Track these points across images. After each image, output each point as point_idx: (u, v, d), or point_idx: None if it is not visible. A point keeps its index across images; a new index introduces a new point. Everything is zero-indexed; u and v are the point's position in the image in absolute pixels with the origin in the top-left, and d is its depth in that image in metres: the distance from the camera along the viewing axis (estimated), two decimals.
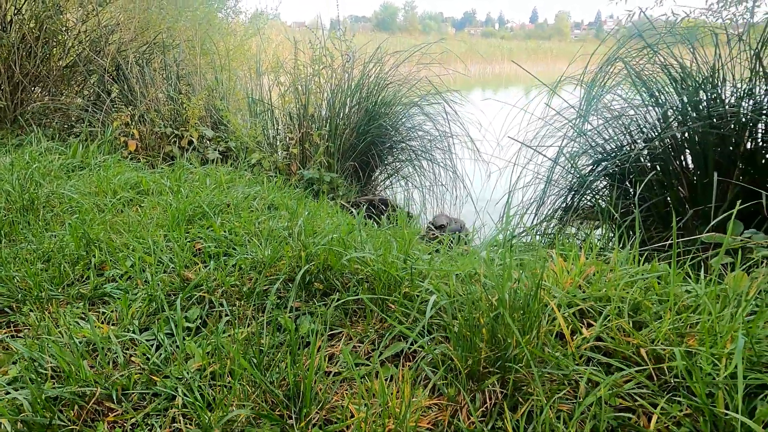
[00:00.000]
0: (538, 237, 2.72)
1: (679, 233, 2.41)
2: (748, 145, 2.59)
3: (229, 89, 5.24)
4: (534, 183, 3.21)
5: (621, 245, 2.43)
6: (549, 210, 2.85)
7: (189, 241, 2.07)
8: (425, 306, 1.46)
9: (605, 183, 2.87)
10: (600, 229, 2.76)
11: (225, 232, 2.14)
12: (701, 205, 2.43)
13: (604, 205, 2.65)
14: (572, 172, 2.85)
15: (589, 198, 2.79)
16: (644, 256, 2.14)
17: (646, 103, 2.86)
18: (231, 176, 3.18)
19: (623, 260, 1.67)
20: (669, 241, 2.31)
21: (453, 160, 4.11)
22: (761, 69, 2.83)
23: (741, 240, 1.71)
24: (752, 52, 2.88)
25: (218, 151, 4.30)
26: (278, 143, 4.32)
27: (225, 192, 2.81)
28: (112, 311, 1.60)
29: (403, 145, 4.06)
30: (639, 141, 3.07)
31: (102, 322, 1.56)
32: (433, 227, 3.45)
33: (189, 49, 5.56)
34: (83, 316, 1.58)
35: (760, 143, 2.55)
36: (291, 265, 1.78)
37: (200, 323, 1.55)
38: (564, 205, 2.86)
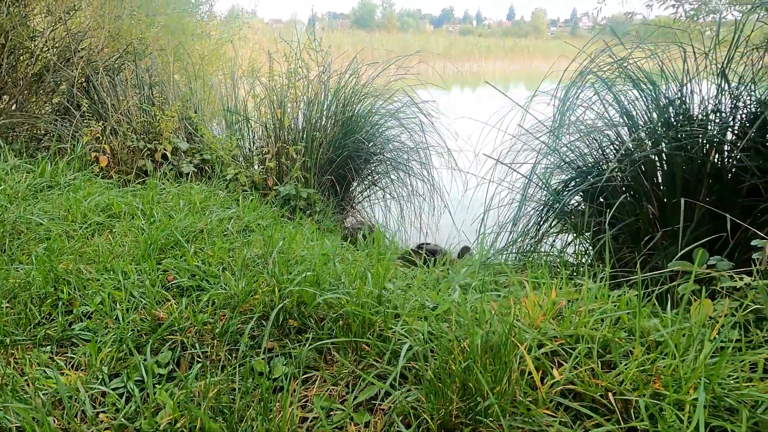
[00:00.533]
0: (512, 256, 2.76)
1: (649, 252, 2.47)
2: (716, 161, 2.67)
3: (204, 98, 5.17)
4: (510, 199, 3.25)
5: (593, 266, 2.47)
6: (524, 227, 2.89)
7: (161, 273, 2.04)
8: (400, 346, 1.46)
9: (579, 199, 2.91)
10: (573, 246, 2.81)
11: (198, 262, 2.11)
12: (671, 223, 2.49)
13: (577, 224, 2.69)
14: (546, 189, 2.89)
15: (563, 215, 2.83)
16: (616, 281, 2.18)
17: (615, 123, 2.91)
18: (206, 195, 3.14)
19: (594, 292, 1.70)
20: (639, 270, 2.35)
21: (430, 170, 4.13)
22: (726, 85, 2.91)
23: (706, 271, 1.76)
24: (719, 68, 2.96)
25: (193, 164, 4.23)
26: (254, 156, 4.28)
27: (199, 214, 2.78)
28: (81, 355, 1.57)
29: (380, 156, 4.07)
30: (611, 157, 3.12)
31: (70, 368, 1.53)
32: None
33: (162, 57, 5.46)
34: (51, 362, 1.54)
35: (726, 160, 2.62)
36: (265, 300, 1.76)
37: (172, 367, 1.52)
38: (539, 221, 2.90)
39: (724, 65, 2.91)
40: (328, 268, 1.91)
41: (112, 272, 2.06)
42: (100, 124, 3.96)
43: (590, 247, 2.64)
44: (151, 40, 5.50)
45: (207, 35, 7.51)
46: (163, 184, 3.47)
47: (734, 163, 2.53)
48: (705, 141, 2.53)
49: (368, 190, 4.26)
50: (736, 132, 2.69)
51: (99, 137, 3.90)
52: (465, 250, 4.31)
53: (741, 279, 1.60)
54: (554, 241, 2.84)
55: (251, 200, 3.24)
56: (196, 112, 4.73)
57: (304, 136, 3.80)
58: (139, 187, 3.32)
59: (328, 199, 3.66)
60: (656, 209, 2.63)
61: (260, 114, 3.97)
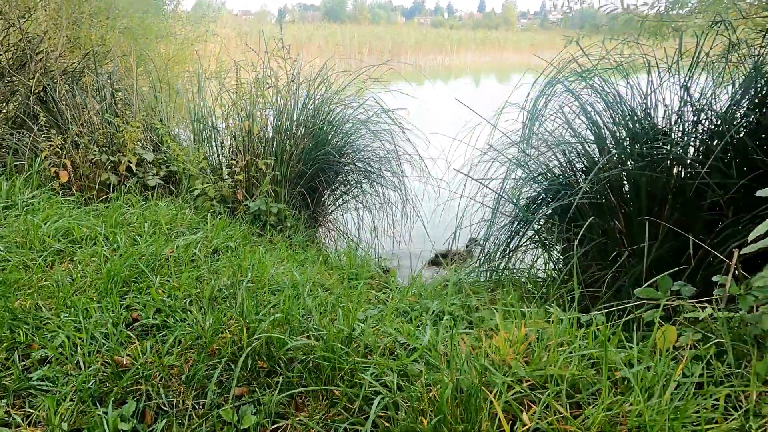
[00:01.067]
0: (485, 273, 2.77)
1: (618, 270, 2.51)
2: (680, 176, 2.72)
3: (170, 104, 5.02)
4: (483, 211, 3.26)
5: (565, 282, 2.50)
6: (495, 243, 2.90)
7: (125, 310, 1.98)
8: (372, 392, 1.45)
9: (549, 213, 2.94)
10: (544, 261, 2.83)
11: (164, 296, 2.05)
12: (637, 240, 2.54)
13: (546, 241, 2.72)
14: (515, 204, 2.91)
15: (533, 231, 2.86)
16: (584, 303, 2.21)
17: (583, 139, 2.95)
18: (173, 215, 3.05)
19: (564, 325, 1.72)
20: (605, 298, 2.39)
21: (402, 179, 4.11)
22: (689, 100, 2.97)
23: (669, 298, 1.80)
24: (681, 83, 3.02)
25: (159, 176, 4.12)
26: (223, 167, 4.18)
27: (165, 237, 2.70)
28: (39, 409, 1.50)
29: (352, 166, 4.03)
30: (579, 168, 3.16)
31: (28, 424, 1.46)
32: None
33: (124, 62, 5.29)
34: (7, 417, 1.47)
35: (688, 176, 2.67)
36: (234, 339, 1.73)
37: (137, 420, 1.48)
38: (509, 236, 2.92)
39: (686, 80, 2.97)
40: (298, 302, 1.88)
41: (72, 309, 1.98)
42: (60, 137, 3.81)
43: (561, 263, 2.68)
44: (112, 44, 5.32)
45: (172, 35, 7.31)
46: (128, 201, 3.36)
47: (696, 179, 2.59)
48: (668, 157, 2.58)
49: (340, 200, 4.22)
50: (698, 148, 2.75)
51: (59, 152, 3.75)
52: (472, 242, 4.34)
53: (703, 308, 1.63)
54: (525, 257, 2.87)
55: (220, 218, 3.17)
56: (161, 121, 4.60)
57: (274, 147, 3.74)
58: (102, 206, 3.21)
59: (299, 213, 3.61)
60: (623, 225, 2.68)
61: (228, 126, 3.87)
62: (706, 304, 1.68)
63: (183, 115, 5.22)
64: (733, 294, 1.62)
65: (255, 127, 3.78)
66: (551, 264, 2.79)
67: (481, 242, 2.99)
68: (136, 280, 2.19)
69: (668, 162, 2.61)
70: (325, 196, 4.07)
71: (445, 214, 4.08)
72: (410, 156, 4.20)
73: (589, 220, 2.32)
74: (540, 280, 2.63)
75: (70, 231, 2.69)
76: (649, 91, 3.09)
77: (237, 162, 3.77)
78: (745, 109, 2.81)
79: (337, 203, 4.23)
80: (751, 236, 1.56)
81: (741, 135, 2.67)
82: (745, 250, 1.69)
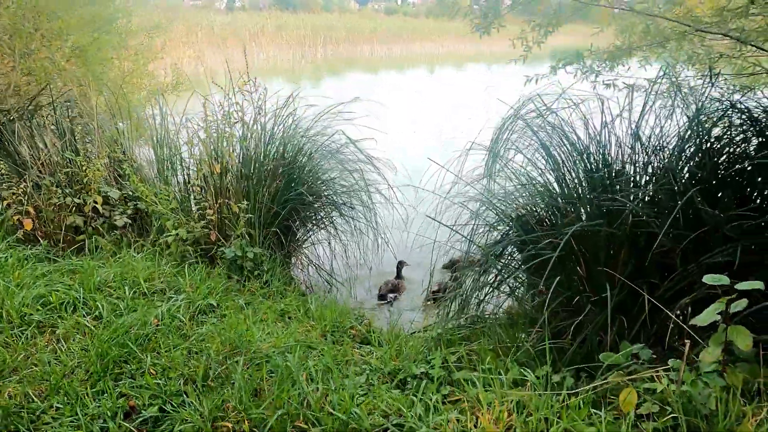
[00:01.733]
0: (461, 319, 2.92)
1: (583, 318, 2.71)
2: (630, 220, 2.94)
3: (131, 131, 4.91)
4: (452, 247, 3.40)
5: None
6: (466, 289, 3.06)
7: (120, 396, 2.02)
8: None
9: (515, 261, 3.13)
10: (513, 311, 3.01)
11: (158, 377, 2.10)
12: (597, 285, 2.75)
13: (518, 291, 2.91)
14: (481, 249, 3.07)
15: (500, 275, 3.04)
16: (553, 359, 2.39)
17: (545, 183, 3.13)
18: (151, 270, 3.06)
19: (542, 399, 1.89)
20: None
21: (372, 209, 4.20)
22: (640, 147, 3.20)
23: (632, 362, 2.01)
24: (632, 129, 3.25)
25: (127, 214, 4.06)
26: (191, 201, 4.15)
27: (147, 301, 2.72)
28: None
29: (323, 200, 4.10)
30: (542, 205, 3.35)
31: None
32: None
33: (80, 89, 5.12)
34: None
35: (641, 224, 2.88)
36: (234, 430, 1.81)
37: None
38: (477, 280, 3.09)
39: (636, 128, 3.20)
40: (294, 388, 1.97)
41: (65, 396, 2.01)
42: (21, 183, 3.70)
43: (530, 307, 2.86)
44: (65, 68, 5.14)
45: (125, 48, 7.06)
46: (100, 252, 3.33)
47: (647, 227, 2.80)
48: (623, 210, 2.78)
49: (312, 234, 4.28)
50: (648, 195, 2.97)
51: (21, 200, 3.65)
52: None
53: (661, 380, 1.84)
54: (495, 299, 3.04)
55: (197, 269, 3.20)
56: (125, 153, 4.52)
57: (246, 187, 3.75)
58: (75, 261, 3.17)
59: (274, 253, 3.67)
60: (584, 271, 2.89)
61: (199, 170, 3.84)
62: (663, 372, 1.89)
63: (145, 138, 5.11)
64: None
65: (224, 167, 3.78)
66: (520, 303, 2.98)
67: (451, 287, 3.15)
68: (126, 360, 2.22)
69: (621, 211, 2.81)
70: (299, 234, 4.13)
71: (415, 240, 4.23)
72: (378, 185, 4.29)
73: (556, 279, 2.50)
74: (510, 325, 2.80)
75: (47, 297, 2.67)
76: (604, 133, 3.30)
77: (208, 202, 3.77)
78: (687, 157, 3.05)
79: (309, 235, 4.29)
80: (698, 323, 1.77)
81: (686, 183, 2.91)
82: (692, 322, 1.92)
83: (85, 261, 3.16)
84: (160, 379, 2.08)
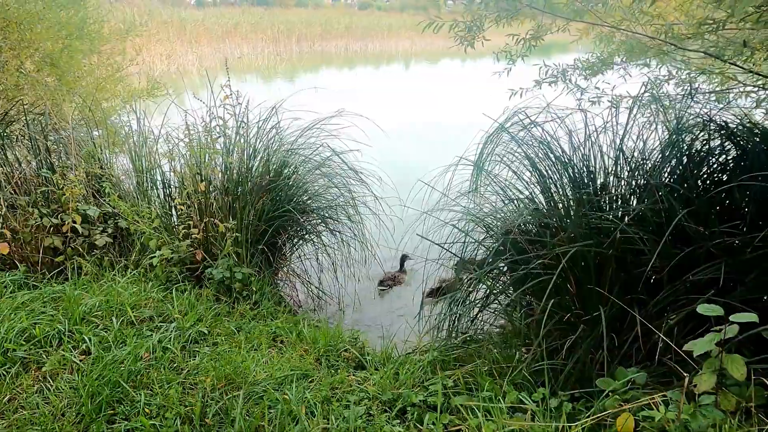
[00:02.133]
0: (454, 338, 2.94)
1: (576, 336, 2.76)
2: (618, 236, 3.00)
3: (108, 143, 4.78)
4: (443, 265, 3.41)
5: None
6: (458, 307, 3.08)
7: None
8: None
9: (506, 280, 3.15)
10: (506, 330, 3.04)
11: (152, 417, 2.06)
12: (588, 307, 2.79)
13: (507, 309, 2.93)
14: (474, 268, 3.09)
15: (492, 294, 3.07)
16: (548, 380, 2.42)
17: (527, 207, 3.16)
18: (137, 297, 2.98)
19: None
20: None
21: (359, 223, 4.18)
22: (624, 162, 3.26)
23: (629, 387, 2.05)
24: (616, 146, 3.30)
25: (107, 232, 3.95)
26: (173, 217, 4.07)
27: (135, 332, 2.65)
28: None
29: (311, 214, 4.06)
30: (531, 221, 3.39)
31: None
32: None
33: (53, 101, 4.95)
34: None
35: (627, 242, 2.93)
36: None
37: None
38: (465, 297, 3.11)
39: (621, 144, 3.25)
40: (296, 425, 1.95)
41: None
42: None
43: (523, 326, 2.89)
44: (40, 84, 4.96)
45: (97, 53, 6.83)
46: (82, 277, 3.24)
47: (633, 244, 2.85)
48: (610, 228, 2.83)
49: (298, 248, 4.23)
50: (634, 213, 3.02)
51: None
52: (404, 258, 4.67)
53: (658, 407, 1.89)
54: (488, 317, 3.07)
55: (185, 293, 3.13)
56: (102, 168, 4.40)
57: (231, 204, 3.69)
58: (56, 287, 3.07)
59: (262, 272, 3.62)
60: (573, 288, 2.93)
61: (182, 187, 3.75)
62: (659, 398, 1.94)
63: (120, 148, 4.99)
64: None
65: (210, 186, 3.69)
66: (512, 321, 3.01)
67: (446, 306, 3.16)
68: (120, 399, 2.16)
69: (610, 230, 2.86)
70: (285, 249, 4.09)
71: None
72: (365, 197, 4.27)
73: (550, 301, 2.53)
74: (503, 343, 2.83)
75: (31, 331, 2.58)
76: (589, 148, 3.35)
77: (192, 219, 3.69)
78: (669, 172, 3.12)
79: (295, 250, 4.25)
80: (691, 349, 1.82)
81: (669, 199, 2.97)
82: (687, 348, 1.97)
83: (68, 287, 3.06)
84: (156, 420, 2.04)
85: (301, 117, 4.20)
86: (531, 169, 3.42)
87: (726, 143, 3.18)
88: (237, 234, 3.49)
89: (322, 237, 4.02)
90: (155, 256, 3.42)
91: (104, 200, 4.14)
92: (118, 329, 2.63)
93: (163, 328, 2.68)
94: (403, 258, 4.65)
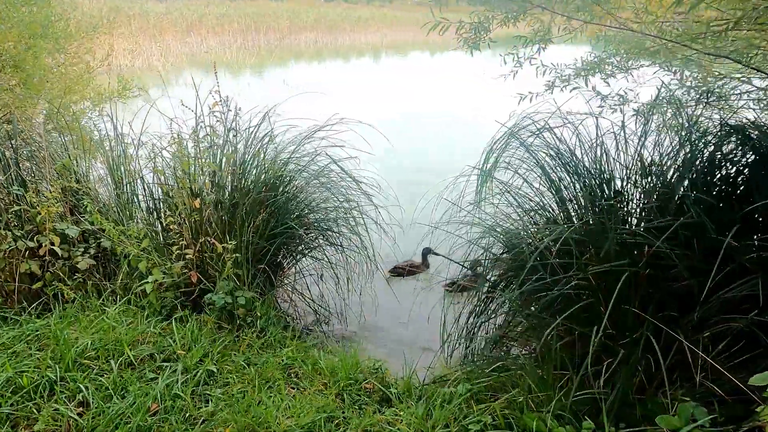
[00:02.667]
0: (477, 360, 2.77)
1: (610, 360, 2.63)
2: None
3: (81, 144, 4.39)
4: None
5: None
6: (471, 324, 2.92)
7: None
8: None
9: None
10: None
11: None
12: (623, 326, 2.67)
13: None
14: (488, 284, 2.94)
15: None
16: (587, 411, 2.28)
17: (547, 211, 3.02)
18: (133, 331, 2.71)
19: None
20: None
21: (368, 235, 3.94)
22: (645, 172, 3.13)
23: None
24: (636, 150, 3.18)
25: (90, 253, 3.63)
26: (171, 246, 3.74)
27: (137, 376, 2.39)
28: None
29: (313, 228, 3.81)
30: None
31: None
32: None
33: (20, 108, 4.55)
34: None
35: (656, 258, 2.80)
36: None
37: None
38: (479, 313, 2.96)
39: (640, 147, 3.13)
40: None
41: None
42: None
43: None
44: (4, 90, 4.54)
45: (64, 52, 6.35)
46: (67, 308, 2.93)
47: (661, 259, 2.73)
48: (639, 241, 2.71)
49: (298, 263, 3.98)
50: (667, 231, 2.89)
51: None
52: (426, 252, 4.68)
53: None
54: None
55: (186, 324, 2.87)
56: (79, 182, 4.04)
57: (228, 221, 3.42)
58: (39, 323, 2.76)
59: (264, 293, 3.37)
60: (603, 307, 2.80)
61: (173, 205, 3.43)
62: None
63: (92, 154, 4.62)
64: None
65: (205, 208, 3.39)
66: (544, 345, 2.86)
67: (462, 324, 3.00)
68: None
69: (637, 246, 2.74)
70: (285, 266, 3.84)
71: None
72: (367, 208, 4.05)
73: (582, 322, 2.39)
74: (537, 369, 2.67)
75: (17, 380, 2.28)
76: (601, 153, 3.22)
77: (184, 238, 3.40)
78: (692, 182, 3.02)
79: (294, 264, 4.00)
80: (756, 383, 1.70)
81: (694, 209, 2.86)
82: (751, 382, 1.85)
83: (53, 322, 2.76)
84: None
85: (293, 122, 3.94)
86: (543, 178, 3.29)
87: (744, 148, 3.10)
88: (237, 254, 3.23)
89: (326, 251, 3.78)
90: (148, 282, 3.13)
91: (84, 217, 3.81)
92: (116, 373, 2.35)
93: (167, 368, 2.42)
94: (426, 251, 4.66)
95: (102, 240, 3.66)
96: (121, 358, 2.47)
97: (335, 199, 3.92)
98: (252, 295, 3.17)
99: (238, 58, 23.61)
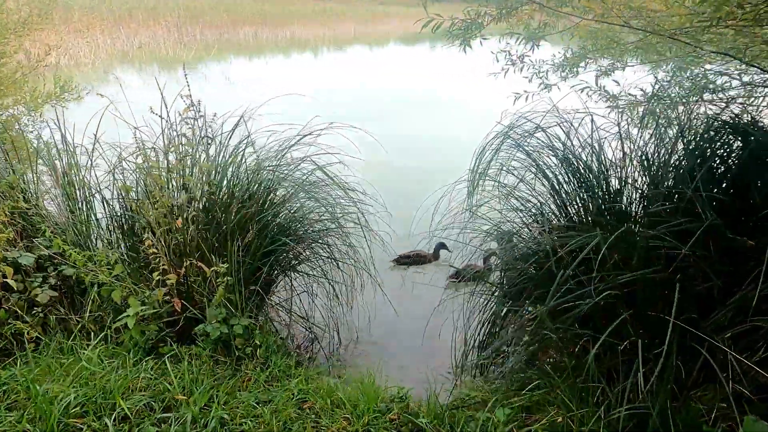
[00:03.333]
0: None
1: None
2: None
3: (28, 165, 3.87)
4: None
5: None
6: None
7: None
8: None
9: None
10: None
11: None
12: (648, 332, 2.60)
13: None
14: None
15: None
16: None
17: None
18: (123, 379, 2.35)
19: None
20: None
21: (370, 248, 3.69)
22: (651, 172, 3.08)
23: None
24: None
25: (50, 283, 3.18)
26: (148, 269, 3.33)
27: None
28: None
29: (306, 246, 3.52)
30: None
31: None
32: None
33: None
34: None
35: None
36: None
37: None
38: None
39: (646, 150, 3.09)
40: None
41: None
42: None
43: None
44: None
45: None
46: (40, 355, 2.53)
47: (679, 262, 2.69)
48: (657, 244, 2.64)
49: (294, 280, 3.66)
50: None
51: None
52: (439, 246, 4.69)
53: None
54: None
55: (179, 360, 2.55)
56: (27, 201, 3.56)
57: (213, 240, 3.08)
58: (5, 374, 2.35)
59: (259, 318, 3.07)
60: (630, 315, 2.72)
61: (153, 227, 3.03)
62: None
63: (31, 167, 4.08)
64: None
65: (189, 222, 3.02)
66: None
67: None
68: None
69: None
70: (277, 283, 3.54)
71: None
72: (355, 215, 3.81)
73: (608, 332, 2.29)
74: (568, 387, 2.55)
75: None
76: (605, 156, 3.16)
77: (164, 262, 3.03)
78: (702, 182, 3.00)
79: (291, 282, 3.67)
80: None
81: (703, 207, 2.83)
82: None
83: (18, 372, 2.36)
84: None
85: (267, 124, 3.64)
86: (546, 181, 3.19)
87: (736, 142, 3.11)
88: (228, 278, 2.91)
89: (323, 264, 3.51)
90: (128, 315, 2.76)
91: (38, 241, 3.36)
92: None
93: (172, 421, 2.10)
94: (439, 246, 4.64)
95: (64, 267, 3.22)
96: (114, 413, 2.12)
97: (329, 208, 3.64)
98: (249, 322, 2.87)
99: (177, 54, 22.41)
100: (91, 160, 3.71)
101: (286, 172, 3.55)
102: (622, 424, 2.22)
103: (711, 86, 3.26)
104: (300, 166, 3.65)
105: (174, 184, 3.22)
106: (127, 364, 2.50)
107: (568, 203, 3.20)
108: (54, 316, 3.11)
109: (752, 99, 3.17)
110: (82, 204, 3.69)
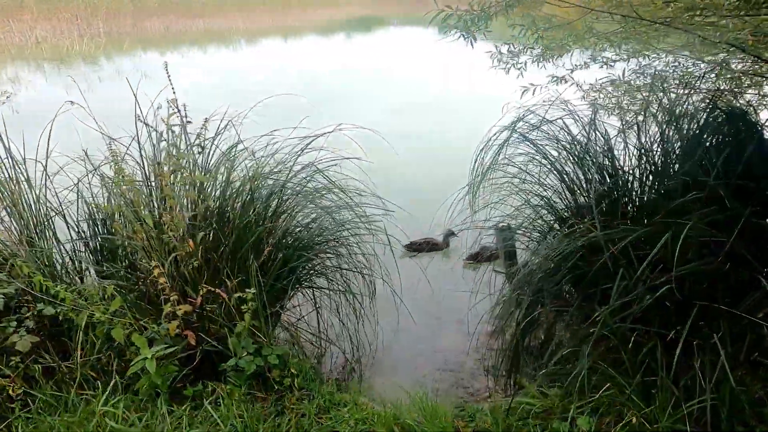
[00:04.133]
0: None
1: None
2: None
3: None
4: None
5: None
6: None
7: None
8: None
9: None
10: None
11: None
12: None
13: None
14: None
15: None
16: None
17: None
18: None
19: None
20: None
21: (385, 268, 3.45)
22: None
23: None
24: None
25: (27, 327, 2.70)
26: (135, 287, 2.93)
27: None
28: None
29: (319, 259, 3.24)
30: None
31: None
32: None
33: None
34: None
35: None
36: None
37: None
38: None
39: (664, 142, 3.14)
40: None
41: None
42: None
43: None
44: None
45: None
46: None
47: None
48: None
49: (305, 295, 3.36)
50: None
51: None
52: (449, 234, 4.80)
53: None
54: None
55: (216, 402, 2.23)
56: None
57: (227, 261, 2.73)
58: None
59: (289, 343, 2.78)
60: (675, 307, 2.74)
61: (160, 253, 2.61)
62: None
63: None
64: None
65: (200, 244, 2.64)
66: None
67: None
68: None
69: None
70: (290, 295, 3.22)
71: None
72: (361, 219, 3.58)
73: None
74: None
75: None
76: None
77: (175, 291, 2.66)
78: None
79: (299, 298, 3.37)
80: None
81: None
82: None
83: None
84: None
85: (256, 127, 3.33)
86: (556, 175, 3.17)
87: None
88: (254, 303, 2.60)
89: (339, 275, 3.26)
90: (146, 357, 2.38)
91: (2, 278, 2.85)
92: None
93: None
94: (449, 233, 4.75)
95: (43, 307, 2.75)
96: None
97: (330, 216, 3.38)
98: (284, 350, 2.58)
99: (84, 49, 20.46)
100: (45, 177, 3.21)
101: (295, 181, 3.25)
102: (695, 417, 2.22)
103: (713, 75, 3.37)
104: (306, 171, 3.37)
105: (185, 201, 2.83)
106: (155, 416, 2.15)
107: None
108: (37, 366, 2.65)
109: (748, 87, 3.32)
110: (42, 228, 3.19)
